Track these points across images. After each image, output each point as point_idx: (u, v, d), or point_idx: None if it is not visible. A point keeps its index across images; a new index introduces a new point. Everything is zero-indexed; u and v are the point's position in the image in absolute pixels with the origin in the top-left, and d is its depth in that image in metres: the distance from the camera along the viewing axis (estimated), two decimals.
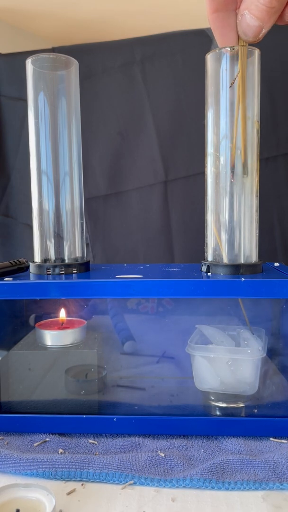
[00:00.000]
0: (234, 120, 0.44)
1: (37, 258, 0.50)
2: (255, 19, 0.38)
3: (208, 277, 0.44)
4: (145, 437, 0.45)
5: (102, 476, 0.38)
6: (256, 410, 0.47)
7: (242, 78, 0.43)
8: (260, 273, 0.46)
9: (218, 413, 0.47)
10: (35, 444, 0.43)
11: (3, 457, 0.40)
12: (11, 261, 0.46)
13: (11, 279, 0.45)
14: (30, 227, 0.52)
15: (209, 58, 0.45)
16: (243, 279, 0.42)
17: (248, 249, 0.47)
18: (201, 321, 0.51)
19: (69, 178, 0.50)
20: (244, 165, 0.45)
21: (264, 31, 0.39)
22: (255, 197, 0.46)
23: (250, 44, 0.43)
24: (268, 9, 0.37)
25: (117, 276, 0.45)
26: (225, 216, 0.46)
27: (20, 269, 0.47)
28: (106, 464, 0.39)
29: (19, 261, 0.46)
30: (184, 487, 0.37)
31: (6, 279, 0.45)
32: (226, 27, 0.41)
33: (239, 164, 0.45)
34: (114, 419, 0.45)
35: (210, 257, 0.48)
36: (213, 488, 0.37)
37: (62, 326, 0.52)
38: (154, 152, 0.84)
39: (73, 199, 0.50)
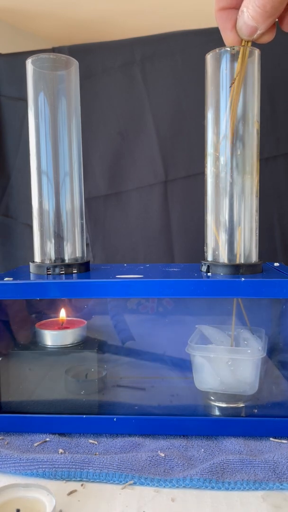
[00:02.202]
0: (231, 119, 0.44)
1: (37, 258, 0.50)
2: (251, 18, 0.39)
3: (208, 277, 0.44)
4: (145, 437, 0.45)
5: (102, 476, 0.38)
6: (256, 410, 0.47)
7: (239, 78, 0.43)
8: (260, 273, 0.46)
9: (218, 413, 0.47)
10: (35, 444, 0.43)
11: (3, 457, 0.40)
12: None
13: (11, 279, 0.45)
14: (30, 227, 0.52)
15: (209, 58, 0.45)
16: (243, 279, 0.42)
17: (248, 249, 0.47)
18: (201, 321, 0.51)
19: (69, 178, 0.50)
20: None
21: (259, 32, 0.40)
22: (255, 197, 0.46)
23: (252, 44, 0.43)
24: (263, 12, 0.38)
25: (117, 276, 0.45)
26: (225, 216, 0.46)
27: None
28: (106, 464, 0.39)
29: None
30: (184, 487, 0.37)
31: (6, 279, 0.45)
32: (230, 24, 0.41)
33: (239, 164, 0.45)
34: (114, 419, 0.45)
35: (210, 257, 0.48)
36: (213, 488, 0.37)
37: (62, 326, 0.52)
38: (154, 152, 0.84)
39: (73, 199, 0.50)
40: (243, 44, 0.42)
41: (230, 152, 0.45)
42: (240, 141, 0.45)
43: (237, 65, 0.43)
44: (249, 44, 0.42)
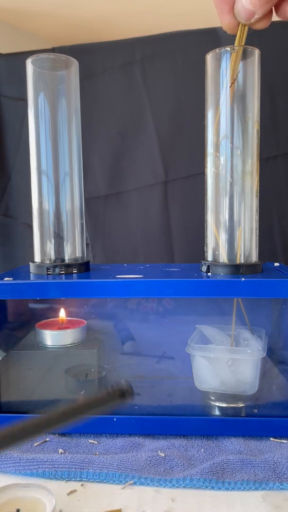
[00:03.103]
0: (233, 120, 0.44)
1: (37, 258, 0.50)
2: (249, 2, 0.39)
3: (208, 277, 0.44)
4: (145, 437, 0.45)
5: (102, 476, 0.38)
6: (256, 410, 0.47)
7: (231, 76, 0.43)
8: (260, 273, 0.46)
9: (218, 413, 0.47)
10: (35, 444, 0.43)
11: (3, 457, 0.40)
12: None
13: (11, 279, 0.45)
14: (30, 227, 0.52)
15: (209, 58, 0.45)
16: (243, 279, 0.42)
17: (248, 249, 0.47)
18: (201, 321, 0.51)
19: (69, 178, 0.50)
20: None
21: (256, 16, 0.40)
22: (255, 197, 0.46)
23: (252, 43, 0.43)
24: None
25: (117, 276, 0.45)
26: (225, 216, 0.46)
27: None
28: (106, 464, 0.39)
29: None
30: (184, 487, 0.37)
31: (6, 279, 0.45)
32: (227, 7, 0.41)
33: (239, 164, 0.45)
34: (114, 419, 0.45)
35: (210, 257, 0.48)
36: (213, 488, 0.37)
37: (62, 326, 0.52)
38: (154, 152, 0.84)
39: (73, 199, 0.50)
40: (239, 28, 0.42)
41: (230, 152, 0.45)
42: (240, 141, 0.45)
43: (230, 60, 0.43)
44: (245, 29, 0.42)
